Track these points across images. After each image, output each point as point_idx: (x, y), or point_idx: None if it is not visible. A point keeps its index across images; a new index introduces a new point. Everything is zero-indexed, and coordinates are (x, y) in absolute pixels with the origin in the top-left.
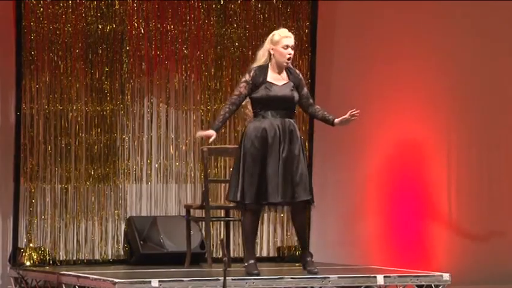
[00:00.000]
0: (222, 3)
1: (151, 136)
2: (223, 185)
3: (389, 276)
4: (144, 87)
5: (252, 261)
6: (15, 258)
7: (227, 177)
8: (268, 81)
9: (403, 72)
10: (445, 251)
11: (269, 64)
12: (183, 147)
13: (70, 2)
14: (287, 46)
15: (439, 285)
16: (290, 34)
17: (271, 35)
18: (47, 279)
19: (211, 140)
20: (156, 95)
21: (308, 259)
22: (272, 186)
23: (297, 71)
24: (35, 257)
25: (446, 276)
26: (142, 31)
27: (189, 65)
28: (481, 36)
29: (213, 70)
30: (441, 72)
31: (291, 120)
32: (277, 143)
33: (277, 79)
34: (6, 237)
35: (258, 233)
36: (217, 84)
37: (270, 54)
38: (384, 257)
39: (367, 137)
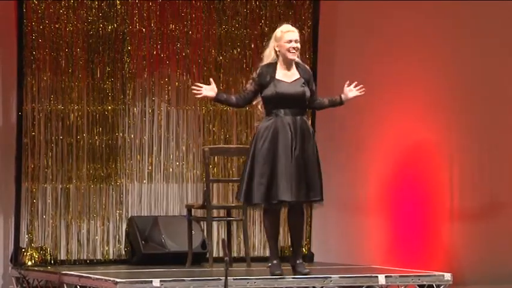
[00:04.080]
0: (223, 3)
1: (152, 136)
2: (224, 184)
3: (390, 276)
4: (145, 87)
5: (275, 262)
6: (16, 258)
7: (228, 177)
8: (276, 79)
9: (404, 72)
10: (446, 251)
11: (277, 62)
12: (185, 147)
13: (71, 1)
14: (290, 40)
15: (441, 285)
16: (292, 28)
17: (274, 33)
18: (48, 279)
19: (203, 94)
20: (157, 95)
21: (298, 261)
22: (284, 184)
23: (307, 66)
24: (37, 256)
25: (447, 276)
26: (143, 31)
27: (190, 65)
28: (481, 36)
29: (214, 70)
30: (442, 72)
31: (303, 118)
32: (289, 142)
33: (286, 76)
34: (7, 237)
35: (259, 233)
36: (219, 84)
37: (276, 52)
38: (385, 256)
39: (369, 136)
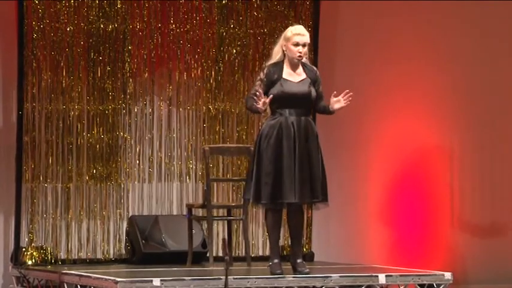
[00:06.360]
0: (224, 2)
1: (153, 135)
2: (224, 184)
3: (391, 276)
4: (146, 86)
5: (276, 261)
6: (17, 258)
7: (229, 176)
8: (283, 78)
9: (405, 72)
10: (447, 250)
11: (284, 60)
12: (185, 146)
13: (72, 1)
14: (297, 44)
15: (441, 285)
16: (303, 32)
17: (285, 31)
18: (48, 278)
19: (265, 102)
20: (158, 94)
21: (299, 261)
22: (288, 185)
23: (314, 67)
24: (37, 256)
25: (448, 275)
26: (144, 30)
27: (190, 65)
28: (484, 37)
29: (214, 69)
30: (443, 72)
31: (308, 118)
32: (291, 142)
33: (293, 75)
34: (8, 237)
35: (260, 232)
36: (219, 84)
37: (283, 50)
38: (385, 256)
39: (369, 136)
